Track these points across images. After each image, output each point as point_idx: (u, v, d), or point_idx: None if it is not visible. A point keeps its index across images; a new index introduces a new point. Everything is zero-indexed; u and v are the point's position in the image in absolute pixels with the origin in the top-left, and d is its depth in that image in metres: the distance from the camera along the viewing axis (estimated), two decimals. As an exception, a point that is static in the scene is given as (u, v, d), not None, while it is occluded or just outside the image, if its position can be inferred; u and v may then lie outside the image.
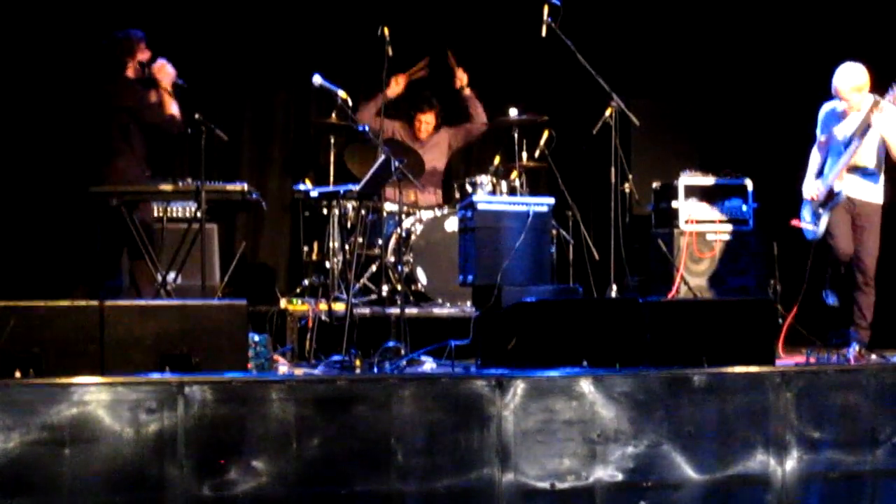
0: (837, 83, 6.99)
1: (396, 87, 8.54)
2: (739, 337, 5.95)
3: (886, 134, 6.86)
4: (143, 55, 6.91)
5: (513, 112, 8.22)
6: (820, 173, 7.17)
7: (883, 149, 6.96)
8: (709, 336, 5.90)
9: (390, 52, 7.09)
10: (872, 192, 7.03)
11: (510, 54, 9.39)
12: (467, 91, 8.75)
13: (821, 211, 7.06)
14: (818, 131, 7.22)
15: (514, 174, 8.12)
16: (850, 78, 6.96)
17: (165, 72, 6.82)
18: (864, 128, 6.86)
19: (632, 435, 5.37)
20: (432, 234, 8.00)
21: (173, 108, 6.87)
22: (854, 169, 6.97)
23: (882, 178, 7.04)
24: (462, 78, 8.72)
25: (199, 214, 6.61)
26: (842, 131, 7.02)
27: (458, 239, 7.00)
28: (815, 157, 7.25)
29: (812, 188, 7.14)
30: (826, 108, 7.20)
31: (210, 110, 6.92)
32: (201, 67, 8.62)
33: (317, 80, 7.42)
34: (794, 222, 7.31)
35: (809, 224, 7.15)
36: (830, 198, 7.02)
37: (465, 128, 8.80)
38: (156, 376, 5.18)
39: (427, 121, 8.67)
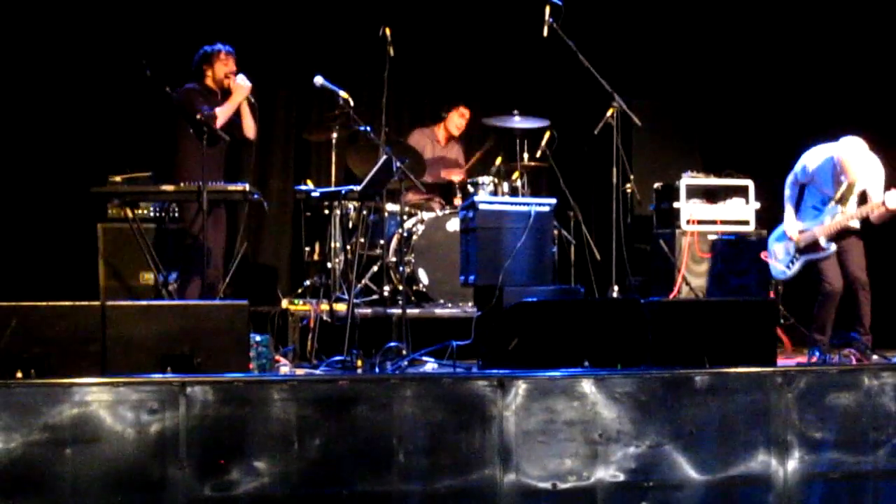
0: (849, 164, 6.88)
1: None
2: (741, 337, 5.95)
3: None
4: (223, 67, 7.10)
5: (516, 119, 8.25)
6: (796, 209, 7.20)
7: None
8: (710, 336, 5.89)
9: (392, 53, 7.09)
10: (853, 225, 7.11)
11: (512, 54, 9.39)
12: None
13: (798, 256, 7.09)
14: (799, 171, 7.18)
15: (516, 174, 8.13)
16: (860, 161, 6.90)
17: (239, 87, 7.02)
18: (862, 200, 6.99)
19: (633, 435, 5.37)
20: (434, 235, 8.01)
21: (247, 120, 7.11)
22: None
23: None
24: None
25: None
26: (836, 191, 7.03)
27: (460, 239, 6.99)
28: (791, 193, 7.24)
29: (793, 229, 7.14)
30: (818, 158, 7.09)
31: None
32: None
33: (318, 80, 7.42)
34: (764, 256, 7.34)
35: (781, 264, 7.19)
36: (815, 249, 7.02)
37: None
38: (157, 376, 5.18)
39: (465, 115, 8.78)
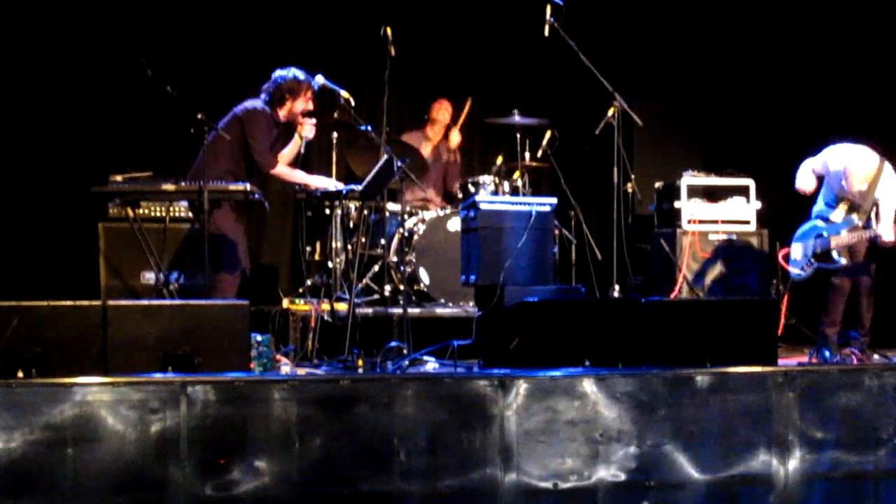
0: (852, 175, 6.94)
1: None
2: (742, 337, 5.95)
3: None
4: (303, 106, 7.09)
5: (516, 118, 8.23)
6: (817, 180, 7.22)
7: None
8: (711, 336, 5.90)
9: (393, 52, 7.09)
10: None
11: (513, 54, 9.39)
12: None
13: (813, 262, 7.09)
14: (818, 163, 7.21)
15: (517, 174, 8.12)
16: (864, 174, 6.94)
17: (307, 130, 7.11)
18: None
19: (634, 435, 5.37)
20: (435, 234, 8.01)
21: (286, 157, 7.17)
22: None
23: None
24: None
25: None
26: (838, 196, 7.09)
27: (461, 239, 6.99)
28: (804, 172, 7.27)
29: (807, 181, 7.14)
30: (838, 158, 7.10)
31: (212, 110, 6.91)
32: (203, 67, 8.64)
33: (319, 80, 7.41)
34: (781, 257, 7.34)
35: (797, 266, 7.20)
36: (827, 260, 7.03)
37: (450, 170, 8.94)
38: (158, 376, 5.18)
39: (438, 108, 8.77)
